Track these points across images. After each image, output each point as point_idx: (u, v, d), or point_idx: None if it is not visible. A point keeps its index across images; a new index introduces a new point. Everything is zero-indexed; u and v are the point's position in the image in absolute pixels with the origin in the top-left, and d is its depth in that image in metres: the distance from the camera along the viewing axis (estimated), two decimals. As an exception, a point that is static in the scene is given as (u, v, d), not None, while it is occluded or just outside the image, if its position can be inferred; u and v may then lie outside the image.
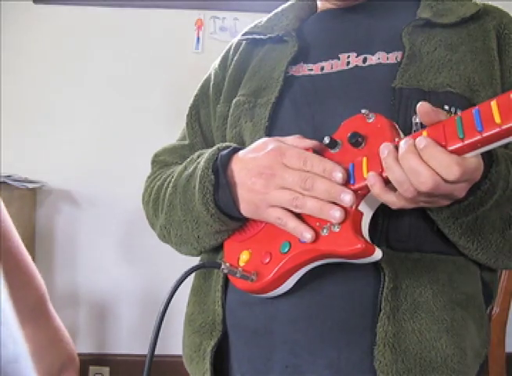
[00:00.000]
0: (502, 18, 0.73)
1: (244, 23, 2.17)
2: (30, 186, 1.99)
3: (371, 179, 0.54)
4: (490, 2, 0.76)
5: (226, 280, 0.71)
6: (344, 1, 0.78)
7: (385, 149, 0.54)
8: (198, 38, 2.19)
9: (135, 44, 2.17)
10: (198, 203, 0.67)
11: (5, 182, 1.83)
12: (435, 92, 0.66)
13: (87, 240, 2.14)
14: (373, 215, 0.60)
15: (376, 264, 0.61)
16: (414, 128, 0.62)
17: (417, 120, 0.55)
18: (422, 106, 0.53)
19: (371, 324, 0.62)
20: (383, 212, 0.61)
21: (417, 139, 0.52)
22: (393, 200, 0.55)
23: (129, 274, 2.13)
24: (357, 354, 0.62)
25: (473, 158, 0.51)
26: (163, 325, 0.61)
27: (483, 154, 0.54)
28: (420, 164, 0.50)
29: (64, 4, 2.16)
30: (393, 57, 0.71)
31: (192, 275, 0.80)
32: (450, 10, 0.73)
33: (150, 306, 2.09)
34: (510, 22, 0.73)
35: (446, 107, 0.66)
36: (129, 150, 2.14)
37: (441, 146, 0.50)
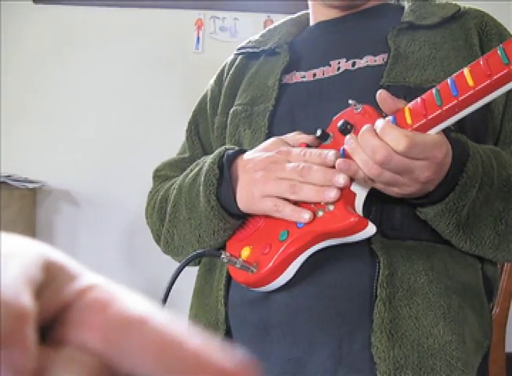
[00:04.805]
0: (483, 17, 0.78)
1: (244, 23, 2.17)
2: (30, 186, 1.99)
3: (341, 164, 0.59)
4: (489, 3, 0.77)
5: (228, 280, 0.72)
6: (343, 1, 0.81)
7: (349, 139, 0.60)
8: (198, 38, 2.19)
9: (135, 44, 2.17)
10: (201, 196, 0.70)
11: (5, 182, 1.83)
12: (421, 87, 0.69)
13: (87, 240, 2.14)
14: (367, 204, 0.63)
15: (371, 251, 0.64)
16: None
17: None
18: (380, 94, 0.58)
19: (369, 312, 0.62)
20: (376, 201, 0.65)
21: (376, 122, 0.57)
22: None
23: (129, 274, 2.13)
24: (358, 343, 0.63)
25: (430, 135, 0.56)
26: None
27: (459, 150, 0.59)
28: (375, 138, 0.56)
29: (64, 4, 2.16)
30: (380, 59, 0.75)
31: (194, 277, 0.81)
32: (432, 13, 0.78)
33: (150, 306, 2.09)
34: (491, 19, 0.78)
35: None
36: (129, 149, 2.14)
37: (422, 115, 0.55)
